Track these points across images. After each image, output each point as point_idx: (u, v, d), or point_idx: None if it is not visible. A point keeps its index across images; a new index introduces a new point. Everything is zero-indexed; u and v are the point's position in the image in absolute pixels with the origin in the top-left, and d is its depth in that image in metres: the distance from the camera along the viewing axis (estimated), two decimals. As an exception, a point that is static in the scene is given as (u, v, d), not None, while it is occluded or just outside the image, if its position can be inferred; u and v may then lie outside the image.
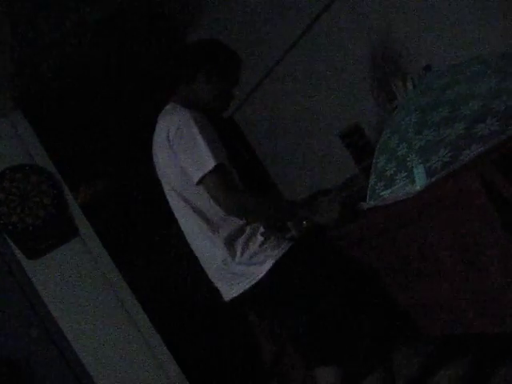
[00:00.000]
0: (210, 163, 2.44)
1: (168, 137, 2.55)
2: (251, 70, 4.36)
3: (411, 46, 3.19)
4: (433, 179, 2.11)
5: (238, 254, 2.53)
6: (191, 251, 2.74)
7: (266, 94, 4.57)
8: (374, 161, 2.51)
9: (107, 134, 5.33)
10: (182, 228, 2.72)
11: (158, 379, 4.46)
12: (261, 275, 2.50)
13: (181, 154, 2.52)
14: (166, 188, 2.70)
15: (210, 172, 2.45)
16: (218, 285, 2.67)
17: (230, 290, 2.61)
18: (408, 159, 2.23)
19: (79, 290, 4.43)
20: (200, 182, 2.49)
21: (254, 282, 2.51)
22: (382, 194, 2.37)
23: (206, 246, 2.61)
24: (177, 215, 2.71)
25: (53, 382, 4.37)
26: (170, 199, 2.71)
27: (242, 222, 2.56)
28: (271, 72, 4.37)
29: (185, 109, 2.58)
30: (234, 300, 2.63)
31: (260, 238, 2.54)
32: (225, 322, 4.82)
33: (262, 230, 2.57)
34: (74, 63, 4.72)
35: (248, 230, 2.56)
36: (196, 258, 2.74)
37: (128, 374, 4.42)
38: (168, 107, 2.70)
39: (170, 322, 4.93)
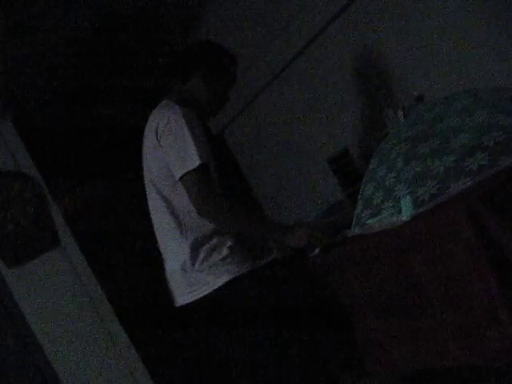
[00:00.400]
0: (195, 161, 2.44)
1: (157, 130, 2.55)
2: (243, 88, 4.37)
3: (404, 76, 3.20)
4: (420, 210, 2.11)
5: (199, 261, 2.51)
6: None
7: (256, 114, 4.58)
8: (361, 188, 2.51)
9: (94, 144, 5.30)
10: (153, 223, 2.69)
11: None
12: (214, 287, 2.48)
13: (167, 148, 2.51)
14: (147, 180, 2.68)
15: (193, 170, 2.43)
16: (172, 287, 2.64)
17: (181, 296, 2.59)
18: (396, 189, 2.23)
19: (57, 299, 4.38)
20: (181, 179, 2.47)
21: (205, 293, 2.49)
22: (368, 222, 2.37)
23: (170, 245, 2.59)
24: (151, 209, 2.69)
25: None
26: (147, 192, 2.68)
27: (211, 229, 2.53)
28: (263, 92, 4.37)
29: (177, 105, 2.57)
30: (182, 308, 2.60)
31: (225, 251, 2.52)
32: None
33: (229, 243, 2.54)
34: (64, 71, 4.70)
35: (216, 239, 2.53)
36: None
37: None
38: (162, 103, 2.69)
39: (148, 338, 4.89)
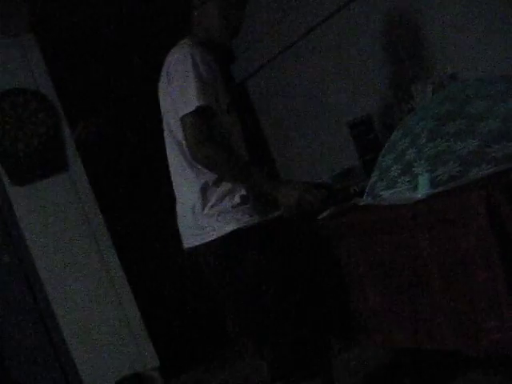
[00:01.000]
0: (193, 103, 2.39)
1: (168, 70, 2.52)
2: (271, 40, 4.31)
3: (440, 51, 3.13)
4: (436, 190, 2.06)
5: (209, 205, 2.47)
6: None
7: (281, 69, 4.51)
8: (379, 158, 2.46)
9: (115, 76, 5.25)
10: (169, 164, 2.66)
11: (119, 326, 4.46)
12: (220, 234, 2.45)
13: (173, 88, 2.48)
14: (164, 121, 2.65)
15: (190, 113, 2.40)
16: (181, 230, 2.62)
17: (188, 238, 2.57)
18: (415, 164, 2.19)
19: (57, 224, 4.40)
20: (181, 120, 2.45)
21: (210, 239, 2.46)
22: (382, 193, 2.33)
23: (182, 186, 2.56)
24: (167, 151, 2.65)
25: (15, 308, 4.36)
26: (164, 133, 2.66)
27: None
28: (290, 47, 4.30)
29: (189, 45, 2.52)
30: (190, 250, 2.59)
31: (237, 199, 2.49)
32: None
33: (243, 191, 2.51)
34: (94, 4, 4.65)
35: (229, 185, 2.50)
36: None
37: (90, 316, 4.40)
38: (180, 42, 2.62)
39: (143, 277, 4.91)
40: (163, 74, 2.58)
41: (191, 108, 2.39)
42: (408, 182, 2.20)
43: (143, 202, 5.33)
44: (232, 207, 2.48)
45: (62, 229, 4.39)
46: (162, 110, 2.64)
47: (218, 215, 2.46)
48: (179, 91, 2.44)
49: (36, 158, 4.33)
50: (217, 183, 2.49)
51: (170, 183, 2.69)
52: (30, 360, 4.38)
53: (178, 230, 2.68)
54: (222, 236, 2.45)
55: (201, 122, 2.40)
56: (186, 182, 2.54)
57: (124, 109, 5.41)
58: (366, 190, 2.48)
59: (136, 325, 4.49)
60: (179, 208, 2.63)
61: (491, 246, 1.81)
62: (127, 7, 4.79)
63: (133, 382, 4.39)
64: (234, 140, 2.60)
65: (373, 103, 3.66)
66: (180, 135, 2.51)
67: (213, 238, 2.46)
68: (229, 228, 2.45)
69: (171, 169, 2.64)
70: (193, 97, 2.39)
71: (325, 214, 2.62)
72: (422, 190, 2.10)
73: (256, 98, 5.04)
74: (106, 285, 4.46)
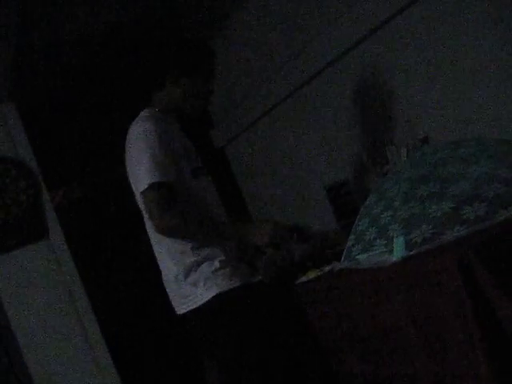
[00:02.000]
0: (146, 181, 2.43)
1: (126, 147, 2.57)
2: (251, 106, 4.37)
3: (412, 114, 3.19)
4: (411, 253, 2.09)
5: (190, 272, 2.50)
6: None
7: (260, 134, 4.57)
8: (355, 222, 2.49)
9: (95, 143, 5.28)
10: (148, 234, 2.68)
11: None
12: (202, 301, 2.47)
13: (130, 166, 2.54)
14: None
15: (146, 190, 2.43)
16: (171, 297, 2.63)
17: (177, 306, 2.60)
18: (390, 228, 2.22)
19: (38, 291, 4.36)
20: (140, 195, 2.49)
21: (195, 306, 2.49)
22: (358, 257, 2.35)
23: (163, 257, 2.58)
24: (145, 219, 2.66)
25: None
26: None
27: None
28: (268, 113, 4.37)
29: (146, 119, 2.55)
30: (182, 317, 2.60)
31: (216, 264, 2.51)
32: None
33: (222, 256, 2.53)
34: (73, 67, 4.70)
35: (208, 250, 2.52)
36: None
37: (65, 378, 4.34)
38: (140, 114, 2.65)
39: (124, 345, 4.86)
40: (126, 147, 2.60)
41: (145, 186, 2.43)
42: (384, 245, 2.23)
43: (124, 267, 5.31)
44: (212, 272, 2.50)
45: (42, 296, 4.35)
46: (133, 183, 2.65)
47: (199, 282, 2.49)
48: (135, 169, 2.50)
49: (16, 225, 4.32)
50: (194, 250, 2.51)
51: (151, 248, 2.71)
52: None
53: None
54: (205, 303, 2.47)
55: (158, 197, 2.42)
56: (165, 252, 2.56)
57: (104, 175, 5.43)
58: (343, 254, 2.50)
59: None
60: (164, 277, 2.65)
61: (466, 307, 1.81)
62: (107, 72, 4.85)
63: None
64: (206, 202, 2.62)
65: (349, 167, 3.71)
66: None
67: (197, 306, 2.49)
68: (210, 294, 2.47)
69: (151, 239, 2.66)
70: (145, 175, 2.44)
71: (303, 278, 2.64)
72: (398, 253, 2.12)
73: (236, 163, 5.09)
74: (85, 351, 4.40)
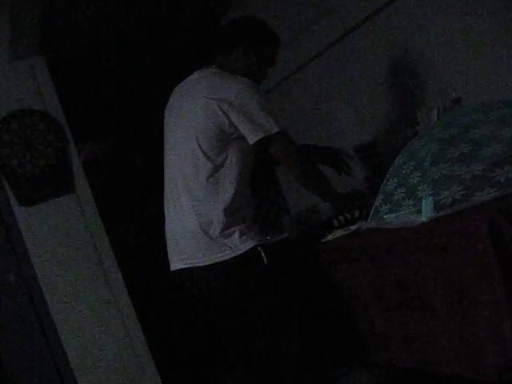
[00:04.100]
0: (274, 128, 2.58)
1: (221, 97, 2.58)
2: (282, 63, 4.34)
3: (443, 76, 3.15)
4: (440, 214, 2.08)
5: (227, 226, 2.55)
6: None
7: (288, 92, 4.55)
8: (383, 182, 2.48)
9: (124, 99, 5.29)
10: (172, 180, 2.71)
11: (123, 347, 4.44)
12: (239, 252, 2.53)
13: (240, 114, 2.57)
14: (182, 138, 2.70)
15: (279, 133, 2.59)
16: (184, 249, 2.64)
17: (198, 258, 2.60)
18: (419, 188, 2.20)
19: (63, 245, 4.39)
20: (261, 141, 2.59)
21: (228, 257, 2.53)
22: (386, 216, 2.34)
23: (196, 205, 2.59)
24: (175, 171, 2.70)
25: (19, 328, 4.36)
26: (173, 155, 2.71)
27: (243, 200, 2.62)
28: (300, 70, 4.34)
29: (242, 77, 2.67)
30: (195, 269, 2.61)
31: (248, 222, 2.61)
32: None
33: (251, 217, 2.66)
34: (104, 24, 4.69)
35: (243, 210, 2.62)
36: None
37: (94, 338, 4.39)
38: (211, 70, 2.75)
39: (148, 301, 4.91)
40: (202, 98, 2.62)
41: (276, 129, 2.58)
42: (412, 205, 2.22)
43: (149, 224, 5.34)
44: (246, 228, 2.57)
45: (68, 250, 4.38)
46: (188, 129, 2.66)
47: (236, 234, 2.54)
48: (256, 115, 2.58)
49: (43, 178, 4.35)
50: (235, 207, 2.58)
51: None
52: (33, 382, 4.37)
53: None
54: (242, 253, 2.53)
55: (290, 141, 2.66)
56: (203, 201, 2.57)
57: (131, 131, 5.44)
58: (371, 214, 2.49)
59: (140, 348, 4.47)
60: (182, 227, 2.64)
61: (493, 269, 1.82)
62: (137, 30, 4.84)
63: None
64: None
65: (378, 128, 3.68)
66: (216, 158, 2.57)
67: (233, 256, 2.53)
68: (248, 245, 2.54)
69: (179, 185, 2.67)
70: (273, 121, 2.59)
71: (329, 237, 2.64)
72: (426, 214, 2.11)
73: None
74: (111, 306, 4.44)
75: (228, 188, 2.58)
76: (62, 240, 4.38)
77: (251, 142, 2.59)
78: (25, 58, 4.44)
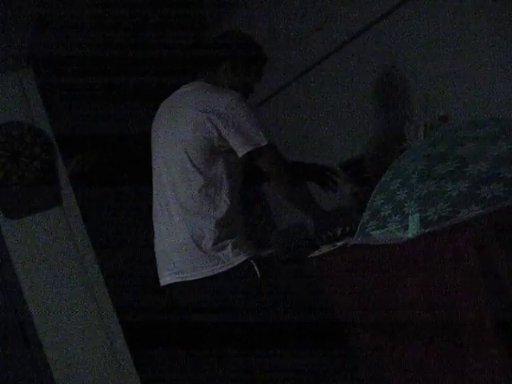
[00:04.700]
0: (265, 139, 2.61)
1: (210, 110, 2.59)
2: (269, 79, 4.35)
3: (431, 92, 3.17)
4: (426, 230, 2.08)
5: (219, 239, 2.55)
6: None
7: (275, 108, 4.55)
8: (370, 198, 2.48)
9: (111, 112, 5.28)
10: (161, 193, 2.72)
11: (107, 361, 4.43)
12: (232, 265, 2.53)
13: (229, 127, 2.58)
14: (173, 150, 2.69)
15: (268, 146, 2.62)
16: (175, 263, 2.63)
17: (188, 272, 2.59)
18: (406, 205, 2.21)
19: (49, 258, 4.39)
20: (252, 153, 2.61)
21: (221, 270, 2.53)
22: (372, 233, 2.34)
23: (188, 218, 2.58)
24: (164, 180, 2.70)
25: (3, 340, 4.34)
26: (168, 162, 2.71)
27: (234, 214, 2.62)
28: (287, 86, 4.35)
29: (224, 90, 2.71)
30: (186, 283, 2.60)
31: (239, 236, 2.62)
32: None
33: (242, 231, 2.65)
34: (92, 37, 4.69)
35: (233, 225, 2.62)
36: None
37: (77, 350, 4.38)
38: (199, 84, 2.78)
39: (133, 314, 4.88)
40: (192, 110, 2.63)
41: (266, 142, 2.61)
42: (399, 221, 2.21)
43: (135, 237, 5.32)
44: (239, 241, 2.59)
45: (53, 263, 4.38)
46: (177, 141, 2.66)
47: (228, 248, 2.55)
48: (243, 131, 2.60)
49: (30, 191, 4.34)
50: (226, 221, 2.58)
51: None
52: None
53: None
54: (235, 266, 2.54)
55: (279, 156, 2.70)
56: (195, 215, 2.57)
57: (118, 145, 5.43)
58: (357, 230, 2.49)
59: (124, 360, 4.46)
60: (172, 241, 2.64)
61: (479, 286, 1.82)
62: (124, 43, 4.84)
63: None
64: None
65: (365, 144, 3.69)
66: (208, 171, 2.58)
67: (225, 269, 2.53)
68: (241, 259, 2.55)
69: (169, 202, 2.66)
70: (263, 134, 2.62)
71: (315, 252, 2.65)
72: (413, 230, 2.11)
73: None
74: (96, 319, 4.44)
75: (220, 201, 2.58)
76: (48, 253, 4.38)
77: (240, 155, 2.60)
78: (13, 70, 4.45)
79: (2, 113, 4.39)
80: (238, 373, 2.69)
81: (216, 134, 2.57)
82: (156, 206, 2.78)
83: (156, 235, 2.77)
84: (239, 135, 2.58)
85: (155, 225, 2.78)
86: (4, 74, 4.42)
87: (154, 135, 2.86)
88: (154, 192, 2.80)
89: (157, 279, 2.80)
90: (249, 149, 2.59)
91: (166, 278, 2.70)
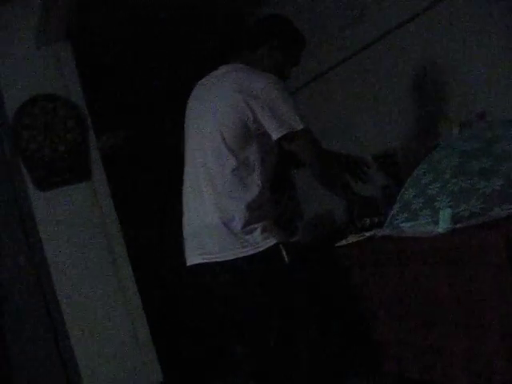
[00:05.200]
0: (301, 123, 2.59)
1: (247, 91, 2.58)
2: (307, 67, 4.35)
3: (469, 90, 3.15)
4: (456, 226, 2.08)
5: (250, 222, 2.53)
6: None
7: (312, 96, 4.55)
8: (401, 191, 2.48)
9: (146, 90, 5.31)
10: (193, 173, 2.71)
11: (127, 336, 4.47)
12: (262, 248, 2.51)
13: (265, 109, 2.57)
14: (206, 132, 2.68)
15: (305, 129, 2.59)
16: (207, 242, 2.62)
17: (218, 252, 2.58)
18: (437, 199, 2.20)
19: (75, 231, 4.42)
20: (285, 137, 2.58)
21: (252, 252, 2.51)
22: (402, 225, 2.34)
23: (223, 200, 2.58)
24: (197, 161, 2.70)
25: (25, 309, 4.39)
26: (201, 142, 2.71)
27: (266, 197, 2.61)
28: (324, 75, 4.35)
29: (263, 72, 2.68)
30: (214, 264, 2.60)
31: (270, 220, 2.59)
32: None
33: (273, 216, 2.64)
34: (135, 12, 4.71)
35: (265, 208, 2.60)
36: None
37: (99, 324, 4.42)
38: (237, 65, 2.75)
39: (155, 292, 4.92)
40: (229, 90, 2.62)
41: (301, 126, 2.58)
42: (429, 215, 2.22)
43: (161, 216, 5.36)
44: (268, 225, 2.56)
45: (80, 236, 4.41)
46: (214, 124, 2.66)
47: (257, 231, 2.53)
48: (281, 111, 2.58)
49: (61, 164, 4.37)
50: (257, 204, 2.57)
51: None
52: (35, 363, 4.40)
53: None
54: (263, 250, 2.51)
55: (314, 139, 2.67)
56: (228, 198, 2.57)
57: (151, 123, 5.46)
58: (386, 221, 2.50)
59: (144, 338, 4.50)
60: (202, 221, 2.63)
61: (508, 285, 1.81)
62: (164, 21, 4.85)
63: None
64: None
65: (398, 138, 3.68)
66: (242, 152, 2.58)
67: (254, 252, 2.51)
68: (269, 243, 2.52)
69: (201, 183, 2.66)
70: (299, 118, 2.59)
71: (343, 241, 2.65)
72: (443, 225, 2.10)
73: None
74: (118, 295, 4.47)
75: (252, 184, 2.57)
76: (75, 226, 4.41)
77: (275, 138, 2.59)
78: (51, 44, 4.47)
79: (38, 85, 4.42)
80: (254, 355, 2.70)
81: (251, 116, 2.56)
82: (187, 186, 2.78)
83: (185, 214, 2.77)
84: (275, 118, 2.56)
85: (185, 204, 2.78)
86: (42, 46, 4.44)
87: (188, 114, 2.86)
88: (186, 171, 2.80)
89: (182, 258, 2.80)
90: (284, 132, 2.57)
91: (193, 258, 2.70)
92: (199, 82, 2.86)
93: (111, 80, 5.21)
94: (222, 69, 2.77)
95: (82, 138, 4.44)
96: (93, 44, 4.85)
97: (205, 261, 2.62)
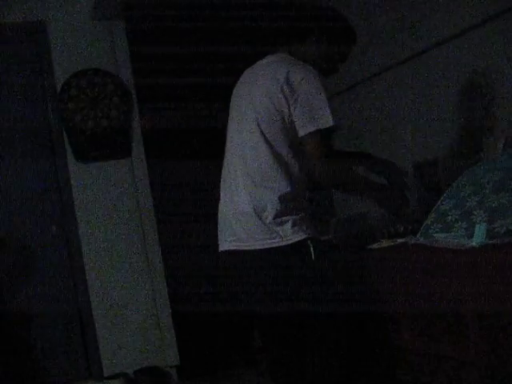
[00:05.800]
0: (329, 121, 2.51)
1: (286, 82, 2.55)
2: (352, 70, 4.34)
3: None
4: (491, 241, 2.07)
5: (281, 214, 2.52)
6: None
7: (359, 100, 4.54)
8: (438, 202, 2.48)
9: (194, 74, 5.32)
10: (231, 160, 2.72)
11: (149, 319, 4.52)
12: (291, 241, 2.50)
13: (299, 103, 2.54)
14: (246, 123, 2.67)
15: (325, 129, 2.51)
16: (238, 230, 2.65)
17: (248, 241, 2.58)
18: (474, 213, 2.20)
19: (109, 205, 4.48)
20: (308, 135, 2.53)
21: (281, 244, 2.50)
22: (435, 235, 2.34)
23: (257, 190, 2.59)
24: (235, 149, 2.71)
25: (50, 275, 4.45)
26: (235, 134, 2.71)
27: (301, 190, 2.60)
28: (370, 80, 4.33)
29: (305, 65, 2.63)
30: (243, 252, 2.61)
31: (302, 215, 2.56)
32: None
33: (304, 210, 2.60)
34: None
35: (298, 201, 2.58)
36: None
37: (123, 301, 4.48)
38: (281, 56, 2.73)
39: (181, 278, 4.94)
40: (270, 81, 2.61)
41: (326, 125, 2.51)
42: (465, 228, 2.21)
43: (196, 205, 5.37)
44: (299, 219, 2.54)
45: (113, 210, 4.47)
46: (252, 113, 2.67)
47: (288, 224, 2.52)
48: (310, 108, 2.53)
49: (102, 139, 4.43)
50: (290, 196, 2.56)
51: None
52: (56, 332, 4.45)
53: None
54: (291, 243, 2.51)
55: (330, 141, 2.58)
56: (262, 188, 2.58)
57: (196, 108, 5.48)
58: (420, 230, 2.49)
59: (165, 321, 4.54)
60: (235, 209, 2.65)
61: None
62: (217, 7, 4.86)
63: (151, 374, 4.44)
64: None
65: (440, 148, 3.66)
66: (276, 144, 2.58)
67: (282, 244, 2.51)
68: (298, 237, 2.51)
69: (237, 171, 2.68)
70: (328, 115, 2.51)
71: (375, 245, 2.65)
72: (478, 239, 2.10)
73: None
74: (144, 276, 4.53)
75: (285, 176, 2.57)
76: (110, 201, 4.47)
77: (301, 134, 2.55)
78: (105, 19, 4.53)
79: (89, 58, 4.48)
80: (274, 348, 2.72)
81: (286, 107, 2.56)
82: (225, 172, 2.80)
83: (221, 201, 2.79)
84: (304, 114, 2.53)
85: (222, 190, 2.79)
86: (97, 20, 4.49)
87: (232, 102, 2.87)
88: (225, 158, 2.82)
89: (213, 243, 2.82)
90: (312, 129, 2.53)
91: (223, 244, 2.72)
92: (246, 71, 2.87)
93: (161, 62, 5.23)
94: (268, 58, 2.77)
95: (126, 115, 4.49)
96: (146, 22, 4.88)
97: (235, 248, 2.64)
